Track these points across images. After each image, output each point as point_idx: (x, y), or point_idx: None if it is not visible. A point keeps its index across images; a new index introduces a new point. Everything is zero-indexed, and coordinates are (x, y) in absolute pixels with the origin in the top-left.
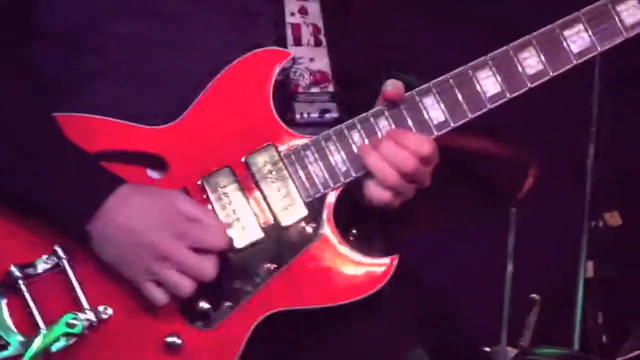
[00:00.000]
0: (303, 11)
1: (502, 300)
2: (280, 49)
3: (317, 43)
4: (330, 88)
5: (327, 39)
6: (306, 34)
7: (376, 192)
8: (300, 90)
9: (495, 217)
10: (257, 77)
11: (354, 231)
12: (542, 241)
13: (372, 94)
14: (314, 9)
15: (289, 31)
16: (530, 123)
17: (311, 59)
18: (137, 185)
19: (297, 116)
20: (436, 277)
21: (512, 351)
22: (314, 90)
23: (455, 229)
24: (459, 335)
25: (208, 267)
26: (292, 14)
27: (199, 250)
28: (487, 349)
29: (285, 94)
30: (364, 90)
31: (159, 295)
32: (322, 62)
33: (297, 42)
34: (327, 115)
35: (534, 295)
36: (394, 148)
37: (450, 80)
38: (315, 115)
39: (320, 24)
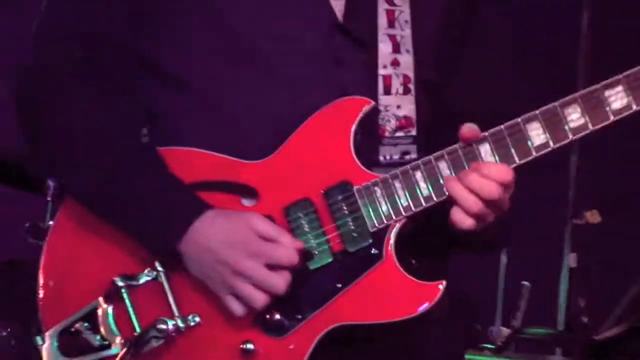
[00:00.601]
0: (395, 63)
1: (497, 286)
2: (364, 98)
3: (406, 91)
4: (414, 132)
5: (417, 89)
6: (396, 84)
7: (462, 219)
8: (386, 134)
9: None
10: (340, 122)
11: (412, 261)
12: (532, 235)
13: (448, 139)
14: (407, 60)
15: (380, 82)
16: None
17: (398, 106)
18: (221, 210)
19: (381, 158)
20: None
21: (505, 330)
22: (399, 134)
23: None
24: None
25: (279, 281)
26: (385, 67)
27: (273, 267)
28: (479, 327)
29: (373, 137)
30: (442, 136)
31: (236, 307)
32: (407, 108)
33: (387, 91)
34: (407, 157)
35: (525, 283)
36: (479, 179)
37: (504, 131)
38: (396, 157)
39: (411, 75)
